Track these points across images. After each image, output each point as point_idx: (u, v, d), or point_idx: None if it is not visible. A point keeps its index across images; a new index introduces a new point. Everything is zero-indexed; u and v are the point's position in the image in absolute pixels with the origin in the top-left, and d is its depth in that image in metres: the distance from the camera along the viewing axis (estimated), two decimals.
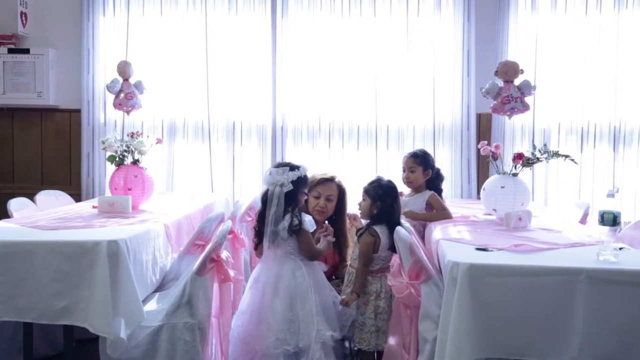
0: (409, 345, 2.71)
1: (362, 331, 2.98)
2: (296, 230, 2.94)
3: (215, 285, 2.85)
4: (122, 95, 4.40)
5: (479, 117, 4.69)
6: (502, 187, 3.33)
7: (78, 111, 4.94)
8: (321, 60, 4.73)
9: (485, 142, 3.52)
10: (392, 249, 2.99)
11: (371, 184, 3.16)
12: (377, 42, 4.69)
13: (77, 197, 4.65)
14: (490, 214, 3.49)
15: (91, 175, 4.92)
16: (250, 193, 4.67)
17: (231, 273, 2.88)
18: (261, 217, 3.00)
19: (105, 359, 2.65)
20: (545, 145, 3.52)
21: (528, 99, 3.86)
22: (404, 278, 2.72)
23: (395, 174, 3.80)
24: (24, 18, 4.90)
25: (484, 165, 4.62)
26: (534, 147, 3.44)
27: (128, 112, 4.51)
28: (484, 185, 3.48)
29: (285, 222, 2.92)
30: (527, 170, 3.50)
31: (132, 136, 3.77)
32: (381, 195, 3.08)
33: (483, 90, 3.91)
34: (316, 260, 3.07)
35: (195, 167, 4.89)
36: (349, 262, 3.25)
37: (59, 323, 2.68)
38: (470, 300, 2.29)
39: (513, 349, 2.33)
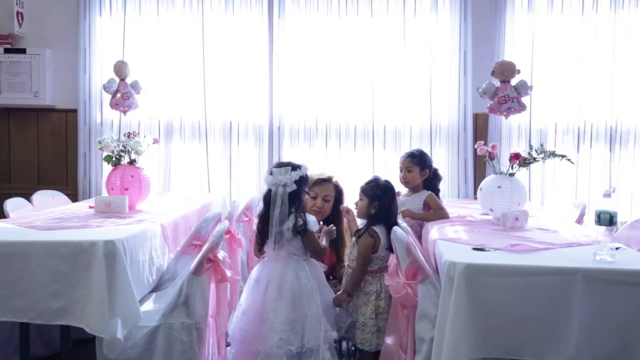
0: (406, 345, 2.71)
1: (363, 331, 2.98)
2: (301, 231, 2.93)
3: (212, 286, 2.85)
4: (118, 95, 4.39)
5: (476, 117, 4.69)
6: (499, 187, 3.34)
7: (75, 111, 4.93)
8: (318, 61, 4.74)
9: (482, 142, 3.52)
10: (391, 249, 2.99)
11: (368, 183, 3.16)
12: (374, 42, 4.69)
13: (74, 197, 4.65)
14: (487, 214, 3.50)
15: (88, 175, 4.92)
16: (247, 193, 4.69)
17: (228, 273, 2.88)
18: (263, 217, 2.99)
19: (102, 359, 2.65)
20: (541, 145, 3.52)
21: (525, 99, 3.87)
22: (401, 278, 2.72)
23: (392, 174, 3.80)
24: (20, 18, 4.90)
25: (480, 165, 4.63)
26: (531, 147, 3.45)
27: (125, 112, 4.51)
28: (480, 185, 3.49)
29: (290, 223, 2.92)
30: (523, 170, 3.50)
31: (128, 136, 3.77)
32: (379, 195, 3.09)
33: (480, 90, 3.91)
34: (318, 260, 3.07)
35: (192, 167, 4.89)
36: (346, 263, 3.26)
37: (56, 323, 2.67)
38: (467, 300, 2.29)
39: (510, 349, 2.33)
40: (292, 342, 2.81)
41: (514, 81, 3.84)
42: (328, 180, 3.57)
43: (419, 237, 3.48)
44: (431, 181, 3.74)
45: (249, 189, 4.81)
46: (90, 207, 3.69)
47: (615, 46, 4.54)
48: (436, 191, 3.76)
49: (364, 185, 3.18)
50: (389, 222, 3.03)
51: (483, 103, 4.12)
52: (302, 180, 2.96)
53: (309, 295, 2.89)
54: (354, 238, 3.15)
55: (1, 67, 4.87)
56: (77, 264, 2.61)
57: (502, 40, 4.62)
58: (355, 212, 3.31)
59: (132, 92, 4.42)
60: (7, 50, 4.87)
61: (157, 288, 3.18)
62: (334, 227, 3.21)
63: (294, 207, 2.95)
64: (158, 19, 4.83)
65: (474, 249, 2.62)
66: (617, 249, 2.55)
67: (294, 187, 2.91)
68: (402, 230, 2.84)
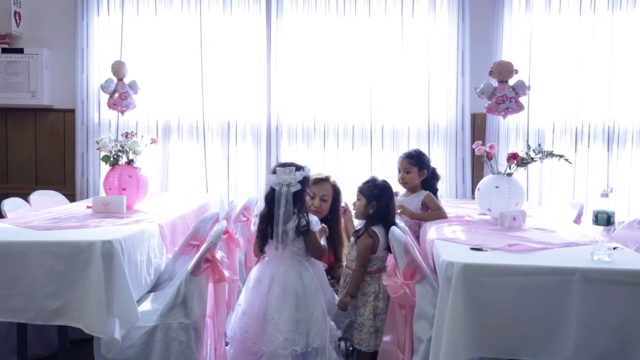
0: (404, 345, 2.71)
1: (361, 332, 2.98)
2: (304, 231, 2.93)
3: (210, 286, 2.84)
4: (116, 95, 4.39)
5: (474, 117, 4.70)
6: (497, 187, 3.34)
7: (72, 111, 4.93)
8: (316, 61, 4.74)
9: (480, 142, 3.52)
10: (389, 249, 2.99)
11: (366, 183, 3.16)
12: (371, 42, 4.69)
13: (72, 197, 4.65)
14: (484, 214, 3.50)
15: (85, 175, 4.91)
16: (245, 193, 4.68)
17: (226, 273, 2.88)
18: (265, 217, 2.98)
19: (100, 359, 2.65)
20: (539, 145, 3.52)
21: (522, 99, 3.87)
22: (399, 278, 2.72)
23: (390, 174, 3.80)
24: (17, 17, 4.89)
25: (478, 165, 4.63)
26: (529, 147, 3.45)
27: (122, 112, 4.50)
28: (478, 185, 3.49)
29: (293, 223, 2.91)
30: (521, 170, 3.50)
31: (126, 136, 3.76)
32: (376, 195, 3.09)
33: (477, 90, 3.92)
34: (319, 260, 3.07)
35: (190, 167, 4.89)
36: (344, 263, 3.26)
37: (53, 323, 2.67)
38: (464, 300, 2.30)
39: (508, 349, 2.33)
40: (297, 342, 2.81)
41: (511, 81, 3.84)
42: (326, 180, 3.57)
43: (418, 237, 3.49)
44: (429, 181, 3.74)
45: (246, 189, 4.80)
46: (88, 207, 3.69)
47: (612, 46, 4.55)
48: (434, 190, 3.76)
49: (362, 185, 3.18)
50: (387, 222, 3.03)
51: (481, 103, 4.13)
52: (305, 181, 2.96)
53: (313, 295, 2.89)
54: (352, 238, 3.15)
55: None
56: (74, 264, 2.61)
57: (500, 40, 4.62)
58: (353, 212, 3.31)
59: (129, 92, 4.41)
60: (4, 50, 4.86)
61: (154, 288, 3.18)
62: (325, 227, 3.21)
63: (297, 207, 2.94)
64: (156, 18, 4.83)
65: (472, 248, 2.62)
66: (614, 248, 2.55)
67: (298, 187, 2.90)
68: (399, 230, 2.84)
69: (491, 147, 3.44)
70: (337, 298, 3.08)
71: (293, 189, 2.89)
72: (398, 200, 3.59)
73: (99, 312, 2.54)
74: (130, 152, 3.72)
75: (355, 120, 4.75)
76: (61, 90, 4.97)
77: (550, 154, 3.35)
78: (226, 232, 3.23)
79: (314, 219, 2.99)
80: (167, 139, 4.88)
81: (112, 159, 3.71)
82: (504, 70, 3.82)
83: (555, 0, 4.59)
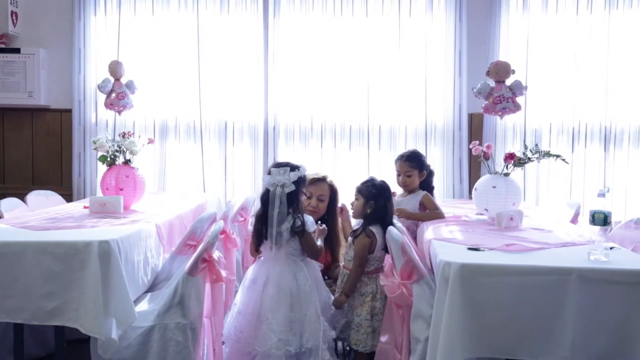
0: (401, 345, 2.71)
1: (358, 332, 2.98)
2: (299, 232, 2.93)
3: (207, 286, 2.84)
4: (113, 95, 4.38)
5: (471, 117, 4.70)
6: (494, 187, 3.34)
7: (69, 111, 4.92)
8: (313, 60, 4.74)
9: (477, 142, 3.52)
10: (386, 249, 2.99)
11: (364, 183, 3.16)
12: (369, 42, 4.69)
13: (68, 198, 4.64)
14: (482, 214, 3.50)
15: (82, 175, 4.91)
16: (242, 193, 4.68)
17: (223, 273, 2.87)
18: (261, 218, 2.97)
19: (97, 359, 2.64)
20: (536, 145, 3.52)
21: (519, 99, 3.87)
22: (396, 278, 2.72)
23: (387, 174, 3.81)
24: (14, 17, 4.88)
25: (475, 165, 4.63)
26: (526, 147, 3.45)
27: (119, 112, 4.50)
28: (475, 185, 3.49)
29: (288, 224, 2.91)
30: (518, 170, 3.50)
31: (123, 136, 3.76)
32: (374, 195, 3.09)
33: (475, 90, 3.91)
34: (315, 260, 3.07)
35: (187, 167, 4.88)
36: (342, 263, 3.25)
37: (50, 324, 2.67)
38: (462, 299, 2.30)
39: (505, 349, 2.34)
40: (291, 342, 2.81)
41: (508, 81, 3.84)
42: (323, 179, 3.57)
43: (415, 237, 3.49)
44: (425, 180, 3.74)
45: (244, 189, 4.80)
46: (85, 207, 3.68)
47: (609, 46, 4.55)
48: (430, 188, 3.76)
49: (360, 185, 3.18)
50: (385, 222, 3.03)
51: (478, 103, 4.13)
52: (300, 181, 2.95)
53: (307, 295, 2.89)
54: (350, 238, 3.15)
55: None
56: (71, 264, 2.60)
57: (497, 40, 4.63)
58: (351, 212, 3.31)
59: (127, 92, 4.41)
60: (1, 50, 4.86)
61: (152, 288, 3.17)
62: (325, 227, 3.20)
63: (292, 208, 2.94)
64: (153, 18, 4.82)
65: (469, 248, 2.63)
66: (611, 248, 2.56)
67: (293, 187, 2.89)
68: (397, 230, 2.84)
69: (488, 147, 3.44)
70: (333, 298, 3.08)
71: (287, 190, 2.88)
72: (396, 200, 3.59)
73: (96, 312, 2.54)
74: (128, 152, 3.71)
75: (352, 120, 4.75)
76: (58, 90, 4.97)
77: (547, 154, 3.35)
78: (223, 232, 3.23)
79: (309, 220, 2.98)
80: (164, 139, 4.87)
81: (109, 159, 3.71)
82: (501, 71, 3.82)
83: (552, 1, 4.59)
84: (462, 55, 4.62)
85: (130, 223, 3.17)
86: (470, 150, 3.74)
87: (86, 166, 4.89)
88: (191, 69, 4.80)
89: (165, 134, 4.87)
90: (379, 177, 3.22)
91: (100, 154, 3.75)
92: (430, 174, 3.80)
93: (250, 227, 3.31)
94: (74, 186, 4.91)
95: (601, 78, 4.58)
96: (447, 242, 2.81)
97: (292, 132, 4.79)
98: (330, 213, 3.57)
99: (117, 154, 3.71)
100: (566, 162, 3.38)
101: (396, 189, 3.70)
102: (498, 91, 3.82)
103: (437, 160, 4.68)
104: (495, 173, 3.41)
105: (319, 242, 3.08)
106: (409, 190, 3.70)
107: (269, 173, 2.94)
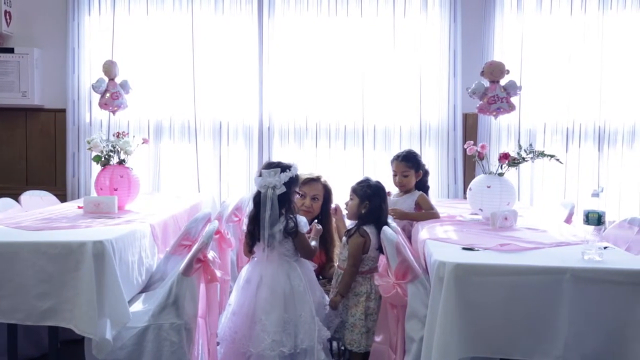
0: (396, 345, 2.72)
1: (352, 332, 2.98)
2: (292, 233, 2.91)
3: (202, 286, 2.84)
4: (107, 95, 4.37)
5: (465, 117, 4.71)
6: (488, 187, 3.35)
7: (63, 111, 4.91)
8: (308, 61, 4.73)
9: (472, 142, 3.53)
10: (381, 249, 2.98)
11: (359, 183, 3.16)
12: (363, 42, 4.69)
13: (63, 198, 4.62)
14: (476, 214, 3.51)
15: (76, 175, 4.89)
16: (237, 193, 4.67)
17: (218, 273, 2.87)
18: (253, 219, 2.95)
19: None
20: (530, 145, 3.54)
21: (514, 99, 3.88)
22: (391, 277, 2.72)
23: (382, 174, 3.81)
24: (8, 17, 4.87)
25: (470, 165, 4.64)
26: (520, 147, 3.46)
27: (114, 112, 4.49)
28: (470, 185, 3.50)
29: (281, 225, 2.89)
30: (513, 170, 3.52)
31: (118, 136, 3.75)
32: (369, 195, 3.09)
33: (469, 90, 3.92)
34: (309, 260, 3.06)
35: (182, 167, 4.88)
36: (336, 263, 3.25)
37: (44, 324, 2.66)
38: (456, 299, 2.30)
39: (499, 348, 2.34)
40: (285, 343, 2.79)
41: (503, 81, 3.85)
42: (317, 179, 3.57)
43: (410, 237, 3.49)
44: (421, 179, 3.75)
45: (238, 189, 4.79)
46: (79, 207, 3.67)
47: (603, 47, 4.57)
48: (426, 188, 3.77)
49: (355, 185, 3.18)
50: (380, 223, 3.03)
51: (472, 103, 4.14)
52: (292, 182, 2.92)
53: (301, 296, 2.88)
54: (344, 238, 3.15)
55: None
56: (65, 264, 2.60)
57: (492, 40, 4.63)
58: (345, 212, 3.31)
59: (121, 91, 4.40)
60: None
61: (146, 288, 3.17)
62: (320, 227, 3.20)
63: (285, 209, 2.91)
64: (147, 18, 4.81)
65: (464, 248, 2.63)
66: (605, 248, 2.57)
67: (284, 189, 2.86)
68: (391, 230, 2.84)
69: (483, 147, 3.44)
70: (327, 298, 3.07)
71: (278, 192, 2.85)
72: (391, 200, 3.59)
73: (90, 313, 2.54)
74: (122, 152, 3.71)
75: (347, 120, 4.75)
76: (52, 90, 4.95)
77: (542, 154, 3.36)
78: (218, 232, 3.23)
79: (302, 220, 2.97)
80: (158, 139, 4.86)
81: (103, 159, 3.70)
82: (495, 71, 3.83)
83: (546, 1, 4.60)
84: (456, 55, 4.63)
85: (124, 223, 3.16)
86: (464, 150, 3.74)
87: (80, 166, 4.88)
88: (186, 69, 4.79)
89: (160, 134, 4.86)
90: (373, 177, 3.21)
91: (94, 154, 3.74)
92: (426, 173, 3.81)
93: (244, 227, 3.30)
94: (68, 186, 4.89)
95: (595, 78, 4.59)
96: (441, 242, 2.81)
97: (287, 132, 4.78)
98: (324, 213, 3.57)
99: (112, 154, 3.70)
100: (560, 162, 3.39)
101: (391, 189, 3.71)
102: (492, 91, 3.83)
103: (432, 160, 4.68)
104: (490, 173, 3.41)
105: (314, 243, 3.07)
106: (405, 190, 3.71)
107: (260, 175, 2.90)
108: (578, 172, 4.66)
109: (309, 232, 3.11)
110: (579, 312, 2.28)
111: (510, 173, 3.50)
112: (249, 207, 3.86)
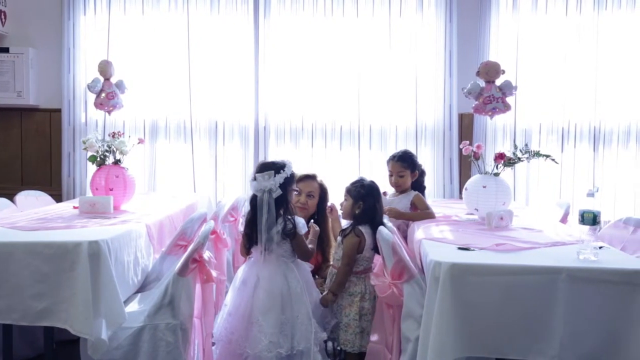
0: (392, 345, 2.72)
1: (346, 332, 2.97)
2: (290, 234, 2.90)
3: (198, 286, 2.84)
4: (103, 94, 4.36)
5: (461, 117, 4.71)
6: (484, 187, 3.35)
7: (59, 111, 4.90)
8: (304, 61, 4.74)
9: (467, 142, 3.54)
10: (376, 249, 2.99)
11: (353, 184, 3.16)
12: (359, 42, 4.70)
13: (58, 198, 4.61)
14: (472, 214, 3.51)
15: (72, 175, 4.88)
16: (232, 193, 4.67)
17: (214, 273, 2.86)
18: (250, 222, 2.94)
19: None
20: (526, 145, 3.54)
21: (509, 99, 3.89)
22: (387, 277, 2.72)
23: (378, 174, 3.81)
24: (3, 16, 4.85)
25: (465, 165, 4.65)
26: (515, 147, 3.47)
27: (109, 112, 4.47)
28: (465, 185, 3.50)
29: (279, 227, 2.87)
30: (508, 170, 3.52)
31: (113, 136, 3.74)
32: (363, 195, 3.09)
33: (465, 90, 3.93)
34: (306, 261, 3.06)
35: (178, 167, 4.87)
36: (332, 263, 3.25)
37: (40, 324, 2.65)
38: (452, 299, 2.30)
39: (495, 348, 2.34)
40: (282, 345, 2.78)
41: (498, 81, 3.86)
42: (312, 177, 3.57)
43: (406, 236, 3.49)
44: (417, 180, 3.75)
45: (234, 189, 4.80)
46: (74, 207, 3.67)
47: (598, 47, 4.58)
48: (422, 188, 3.77)
49: (349, 185, 3.18)
50: (375, 222, 3.03)
51: (468, 103, 4.14)
52: (288, 181, 2.90)
53: (298, 297, 2.87)
54: (339, 238, 3.15)
55: None
56: (61, 264, 2.59)
57: (487, 40, 4.64)
58: (340, 212, 3.31)
59: (116, 91, 4.38)
60: None
61: (142, 289, 3.16)
62: (318, 229, 3.19)
63: (282, 210, 2.90)
64: (143, 18, 4.81)
65: (459, 248, 2.63)
66: (600, 248, 2.57)
67: (280, 192, 2.84)
68: (387, 230, 2.84)
69: (478, 147, 3.45)
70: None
71: (275, 195, 2.83)
72: (387, 200, 3.60)
73: (86, 313, 2.53)
74: (117, 152, 3.70)
75: (343, 121, 4.76)
76: (47, 90, 4.94)
77: (537, 154, 3.37)
78: (214, 232, 3.23)
79: (300, 222, 2.95)
80: (154, 139, 4.86)
81: (99, 159, 3.70)
82: (491, 71, 3.83)
83: (541, 1, 4.62)
84: (452, 55, 4.64)
85: (120, 223, 3.16)
86: (460, 150, 3.75)
87: (76, 166, 4.87)
88: (181, 69, 4.79)
89: (156, 134, 4.86)
90: (369, 177, 3.21)
91: (90, 154, 3.74)
92: (422, 173, 3.82)
93: (241, 228, 3.29)
94: (64, 186, 4.88)
95: (590, 78, 4.61)
96: (437, 241, 2.82)
97: (283, 132, 4.79)
98: (320, 213, 3.57)
99: (107, 154, 3.70)
100: (556, 162, 3.40)
101: (387, 189, 3.71)
102: (488, 91, 3.83)
103: (428, 160, 4.69)
104: (486, 173, 3.42)
105: (312, 246, 3.05)
106: (401, 190, 3.71)
107: (254, 179, 2.88)
108: (573, 172, 4.67)
109: (307, 233, 3.10)
110: (574, 311, 2.29)
111: (506, 173, 3.51)
112: (245, 207, 3.87)
